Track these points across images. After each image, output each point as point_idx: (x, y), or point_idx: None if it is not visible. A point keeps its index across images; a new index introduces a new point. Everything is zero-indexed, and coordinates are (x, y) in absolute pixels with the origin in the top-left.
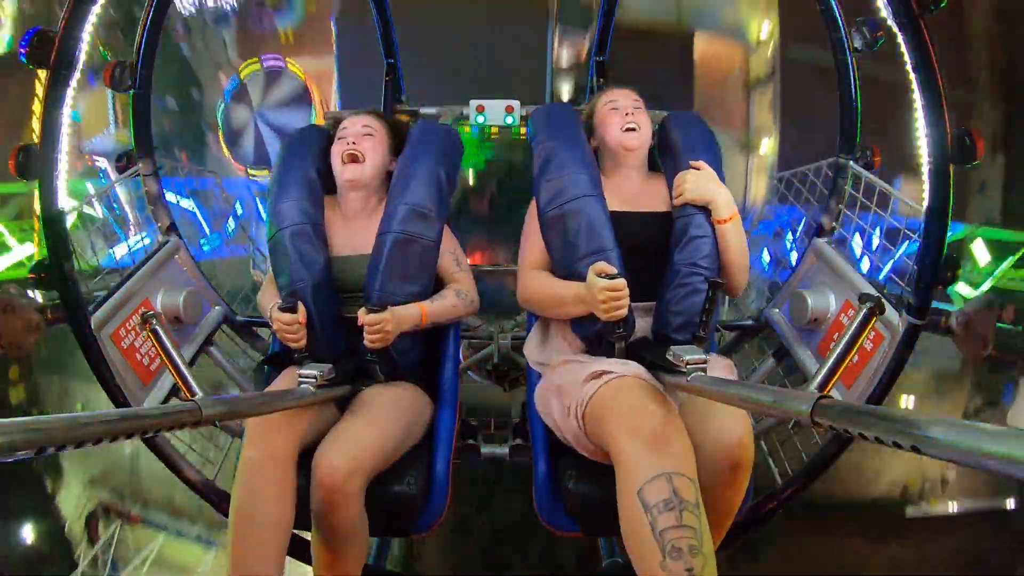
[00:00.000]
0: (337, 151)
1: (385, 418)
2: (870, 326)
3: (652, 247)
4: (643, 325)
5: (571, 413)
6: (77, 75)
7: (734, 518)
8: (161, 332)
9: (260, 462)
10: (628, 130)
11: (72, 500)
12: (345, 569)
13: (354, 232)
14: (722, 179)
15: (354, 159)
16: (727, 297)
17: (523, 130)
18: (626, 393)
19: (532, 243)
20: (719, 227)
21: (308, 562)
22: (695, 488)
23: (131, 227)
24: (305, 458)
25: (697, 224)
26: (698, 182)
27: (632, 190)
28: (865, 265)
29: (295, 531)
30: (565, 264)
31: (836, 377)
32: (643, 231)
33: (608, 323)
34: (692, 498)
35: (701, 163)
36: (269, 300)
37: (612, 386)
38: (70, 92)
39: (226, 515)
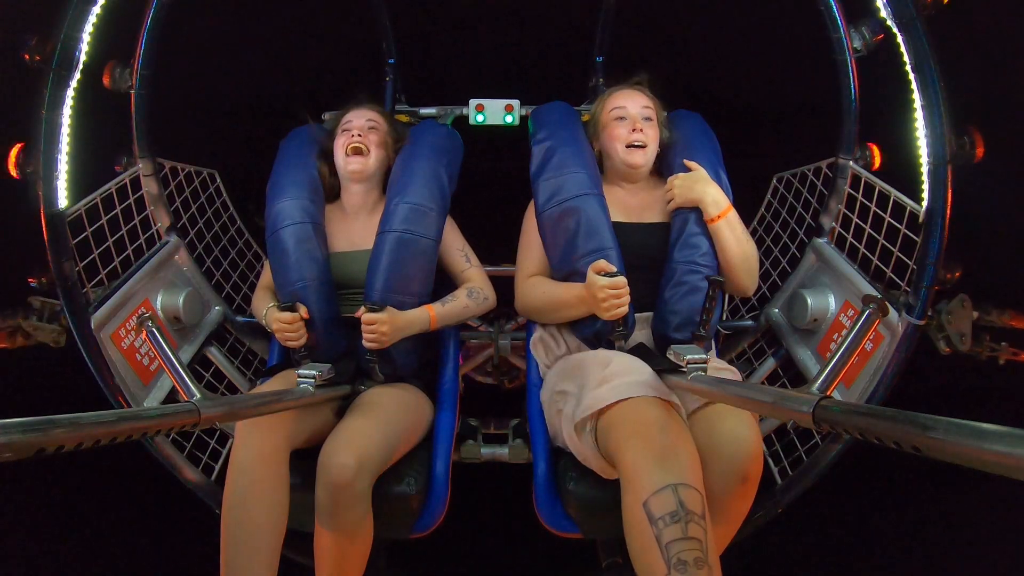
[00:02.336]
0: (341, 144)
1: (389, 417)
2: (873, 328)
3: (652, 259)
4: (641, 336)
5: (584, 429)
6: (77, 75)
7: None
8: (157, 334)
9: (250, 463)
10: (633, 147)
11: None
12: (349, 568)
13: (354, 228)
14: (718, 175)
15: (358, 152)
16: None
17: None
18: (633, 406)
19: (530, 251)
20: (711, 226)
21: (308, 561)
22: (702, 499)
23: None
24: (297, 458)
25: (694, 222)
26: (685, 184)
27: (634, 201)
28: None
29: (295, 529)
30: (564, 263)
31: (839, 379)
32: (644, 242)
33: (608, 322)
34: (699, 509)
35: (693, 163)
36: (264, 302)
37: (619, 399)
38: (70, 92)
39: None
